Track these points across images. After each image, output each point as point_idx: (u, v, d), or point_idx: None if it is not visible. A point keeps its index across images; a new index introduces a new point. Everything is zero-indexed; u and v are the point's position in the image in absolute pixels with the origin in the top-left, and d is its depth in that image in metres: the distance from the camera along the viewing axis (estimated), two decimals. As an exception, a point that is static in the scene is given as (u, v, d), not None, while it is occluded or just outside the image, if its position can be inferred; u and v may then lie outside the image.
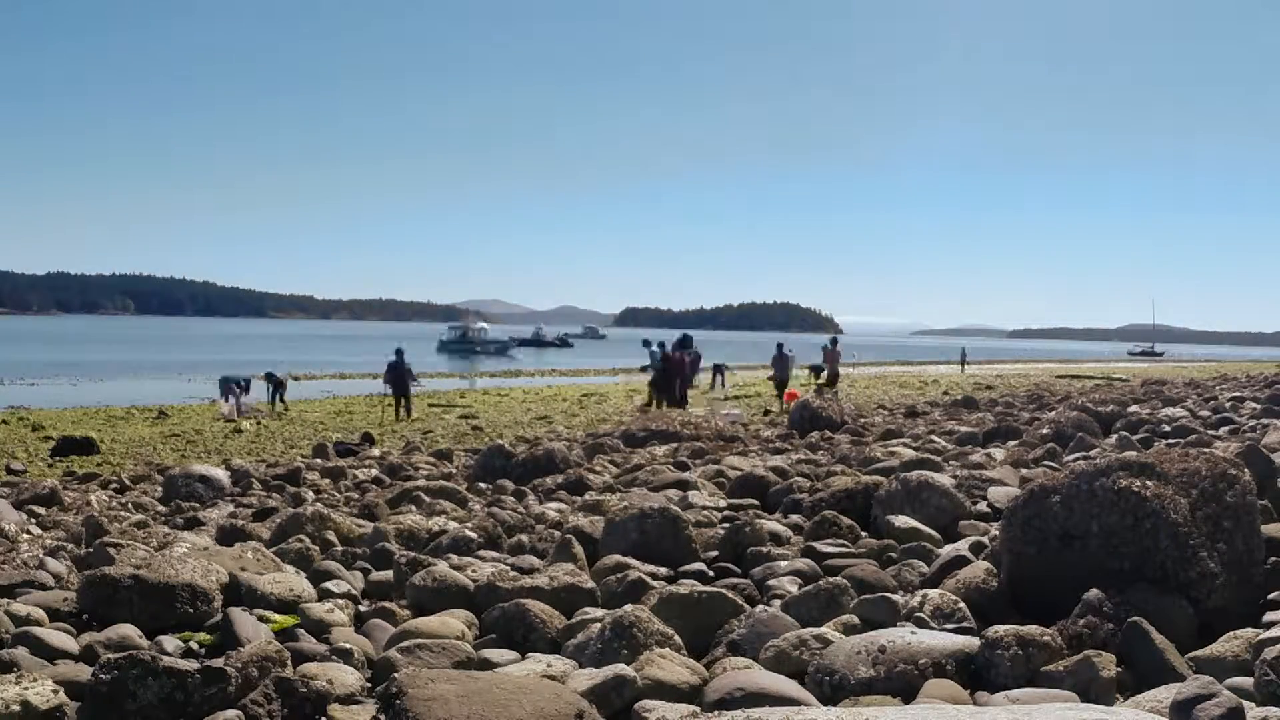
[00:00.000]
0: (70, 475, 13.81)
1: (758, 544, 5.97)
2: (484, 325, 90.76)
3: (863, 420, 17.29)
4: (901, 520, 6.11)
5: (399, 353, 25.80)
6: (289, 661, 4.07)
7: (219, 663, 3.88)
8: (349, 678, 4.04)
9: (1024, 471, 8.15)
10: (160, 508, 10.19)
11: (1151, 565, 4.17)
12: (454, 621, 4.79)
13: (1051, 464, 8.73)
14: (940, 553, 5.42)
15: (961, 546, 5.44)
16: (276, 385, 29.01)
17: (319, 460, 14.48)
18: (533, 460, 11.40)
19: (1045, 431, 11.23)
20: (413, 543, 6.89)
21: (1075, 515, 4.40)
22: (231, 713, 3.57)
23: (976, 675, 3.62)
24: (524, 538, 6.89)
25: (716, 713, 3.13)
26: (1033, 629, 3.74)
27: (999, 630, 3.72)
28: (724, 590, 4.84)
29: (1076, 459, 8.72)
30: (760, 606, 4.63)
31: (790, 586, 5.11)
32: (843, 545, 5.84)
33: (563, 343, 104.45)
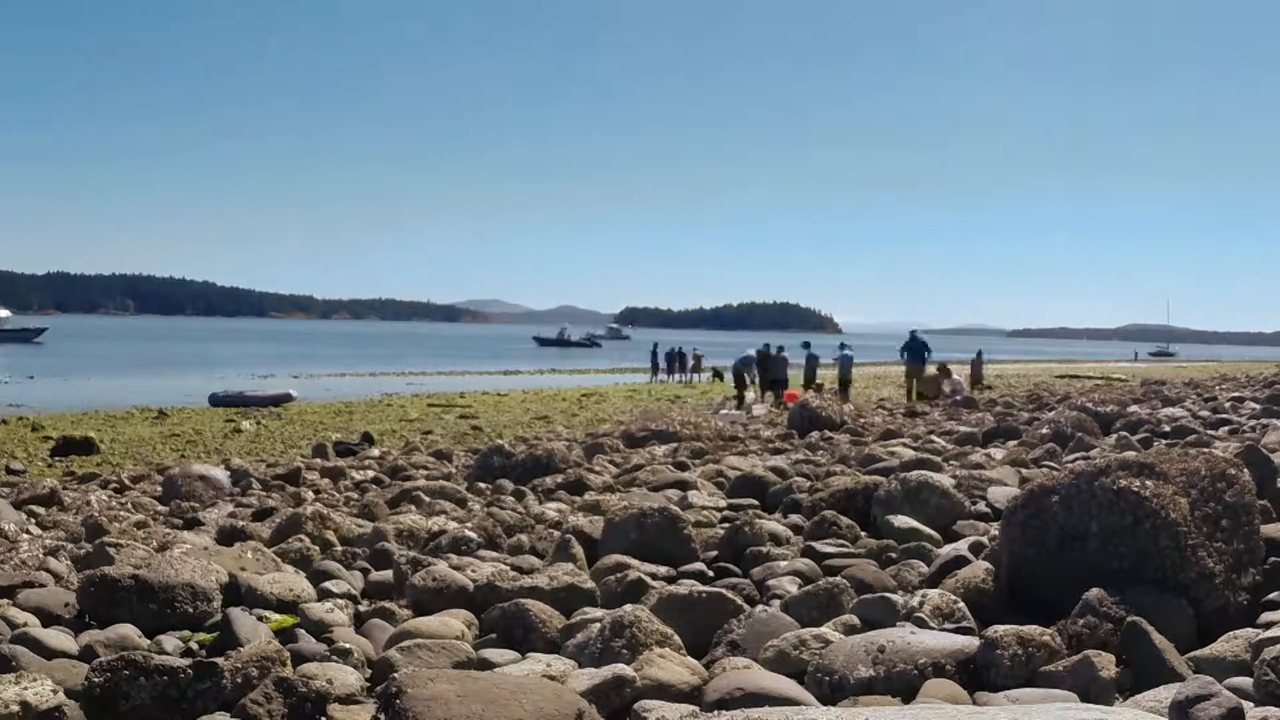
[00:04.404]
0: (70, 475, 13.80)
1: (757, 544, 5.97)
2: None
3: (862, 420, 17.29)
4: (901, 520, 6.11)
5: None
6: (289, 661, 4.07)
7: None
8: (349, 678, 4.04)
9: (1024, 471, 8.15)
10: (160, 508, 10.18)
11: (1151, 565, 4.17)
12: (454, 621, 4.79)
13: (1051, 464, 8.73)
14: (940, 553, 5.42)
15: (961, 546, 5.44)
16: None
17: (319, 460, 14.47)
18: (532, 460, 11.39)
19: (1045, 431, 11.23)
20: (412, 543, 6.89)
21: (1075, 515, 4.40)
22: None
23: (976, 675, 3.62)
24: (523, 538, 6.89)
25: (716, 713, 3.13)
26: (1032, 629, 3.74)
27: (998, 630, 3.72)
28: (723, 590, 4.84)
29: (1076, 459, 8.72)
30: (760, 606, 4.64)
31: (790, 586, 5.11)
32: (842, 545, 5.85)
33: (590, 343, 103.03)
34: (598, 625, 4.39)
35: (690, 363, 44.23)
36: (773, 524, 6.59)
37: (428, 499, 9.08)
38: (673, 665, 3.90)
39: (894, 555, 5.61)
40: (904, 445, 11.19)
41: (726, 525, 6.54)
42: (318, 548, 6.70)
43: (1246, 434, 10.15)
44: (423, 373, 48.36)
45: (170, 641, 4.52)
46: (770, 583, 5.24)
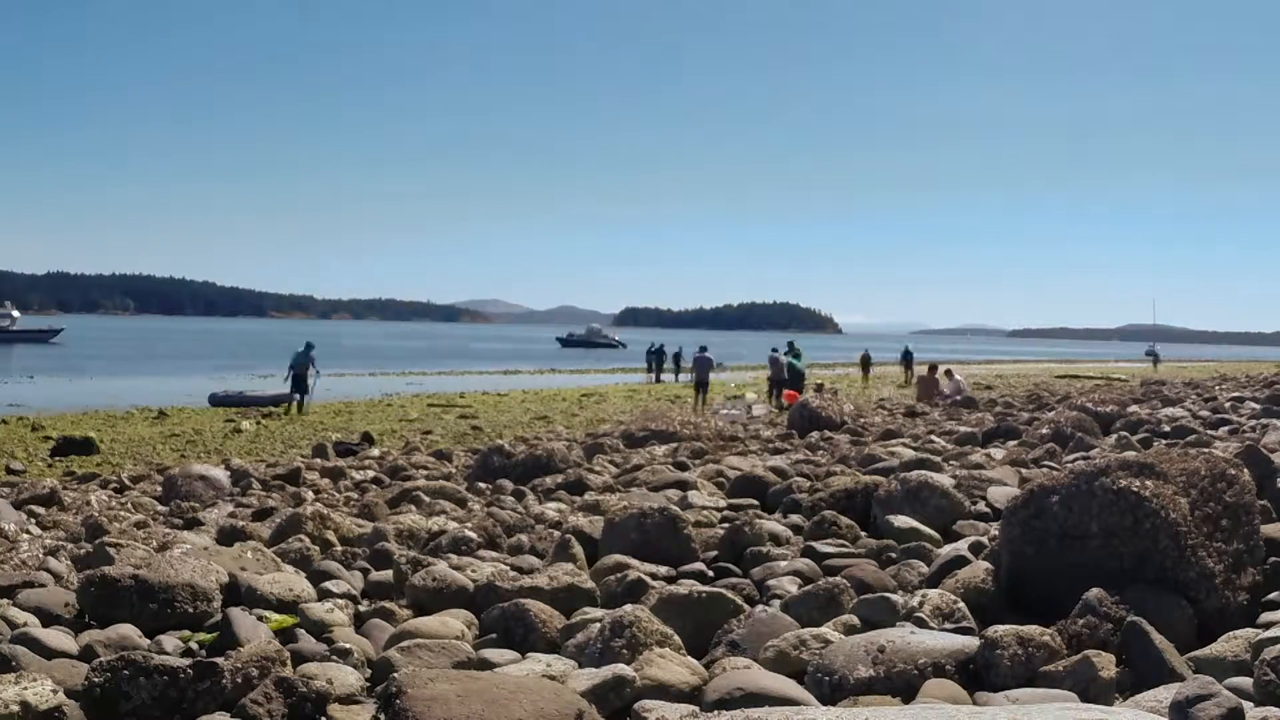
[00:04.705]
0: (70, 475, 13.80)
1: (757, 544, 5.97)
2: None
3: (862, 420, 17.29)
4: (901, 520, 6.11)
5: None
6: (289, 661, 4.07)
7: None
8: (349, 678, 4.04)
9: (1024, 471, 8.15)
10: (160, 508, 10.18)
11: (1151, 565, 4.17)
12: (454, 621, 4.79)
13: (1051, 464, 8.73)
14: (940, 553, 5.42)
15: (961, 546, 5.44)
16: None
17: (319, 460, 14.47)
18: (532, 460, 11.39)
19: (1045, 431, 11.22)
20: (412, 543, 6.89)
21: (1075, 515, 4.40)
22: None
23: (976, 675, 3.62)
24: (523, 538, 6.89)
25: (716, 713, 3.13)
26: (1032, 629, 3.74)
27: (998, 630, 3.71)
28: (723, 590, 4.84)
29: (1076, 459, 8.72)
30: (760, 606, 4.63)
31: (790, 586, 5.11)
32: (842, 545, 5.84)
33: (615, 344, 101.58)
34: (598, 625, 4.39)
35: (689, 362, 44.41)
36: (773, 524, 6.58)
37: (428, 499, 9.08)
38: (673, 665, 3.89)
39: (894, 555, 5.60)
40: (904, 445, 11.19)
41: (726, 525, 6.53)
42: (318, 548, 6.70)
43: (1246, 434, 10.15)
44: (423, 373, 48.33)
45: (170, 641, 4.52)
46: (770, 583, 5.23)
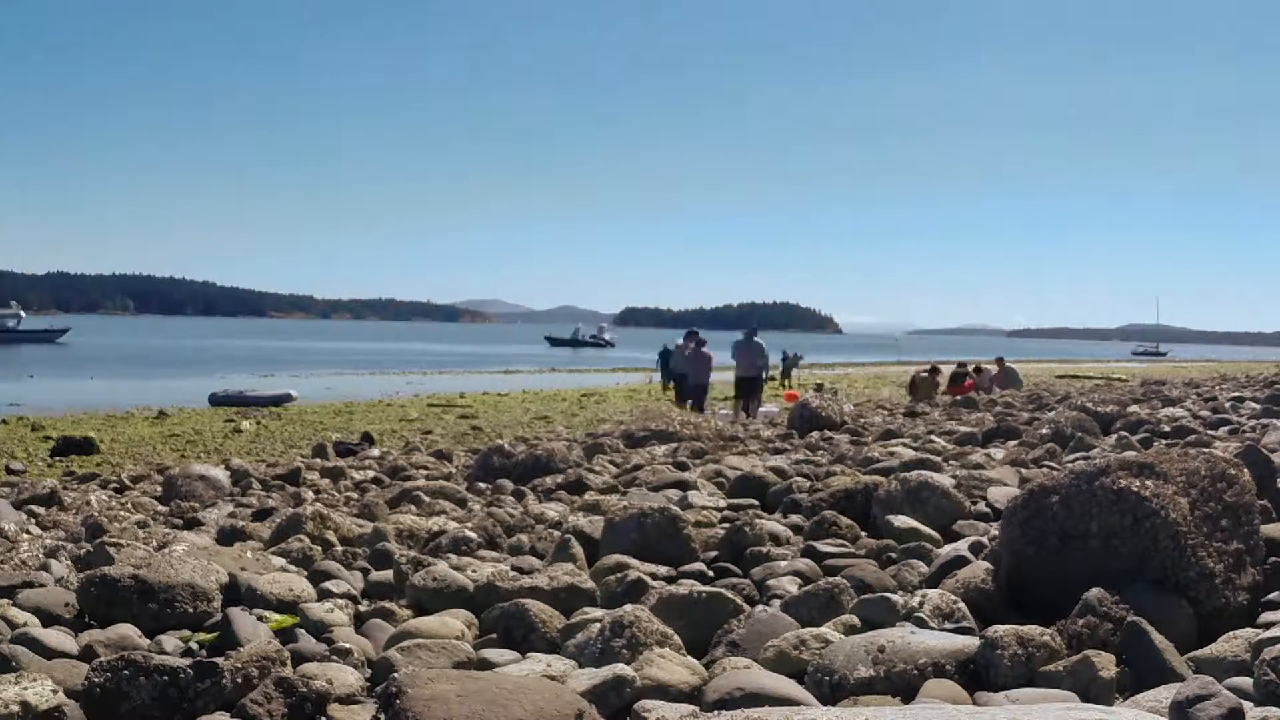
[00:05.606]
0: (70, 475, 13.81)
1: (757, 544, 5.97)
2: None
3: (862, 420, 17.28)
4: (901, 520, 6.10)
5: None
6: (289, 661, 4.07)
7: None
8: (349, 677, 4.04)
9: (1024, 471, 8.14)
10: (160, 508, 10.18)
11: (1151, 565, 4.17)
12: (454, 621, 4.79)
13: (1051, 464, 8.72)
14: (940, 553, 5.41)
15: (961, 546, 5.43)
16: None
17: (319, 460, 14.47)
18: (532, 460, 11.38)
19: (1045, 431, 11.21)
20: (412, 543, 6.89)
21: (1074, 515, 4.40)
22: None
23: (976, 675, 3.62)
24: (523, 538, 6.89)
25: (716, 713, 3.13)
26: (1032, 629, 3.74)
27: (998, 630, 3.71)
28: (723, 590, 4.83)
29: (1076, 459, 8.71)
30: (760, 606, 4.63)
31: (790, 586, 5.10)
32: (842, 545, 5.84)
33: (605, 343, 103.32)
34: (598, 625, 4.39)
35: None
36: (773, 524, 6.58)
37: (428, 499, 9.07)
38: (673, 665, 3.90)
39: (894, 555, 5.60)
40: (904, 445, 11.18)
41: (726, 525, 6.53)
42: (318, 548, 6.70)
43: (1246, 434, 10.14)
44: (423, 373, 48.35)
45: (170, 641, 4.52)
46: (770, 583, 5.23)
